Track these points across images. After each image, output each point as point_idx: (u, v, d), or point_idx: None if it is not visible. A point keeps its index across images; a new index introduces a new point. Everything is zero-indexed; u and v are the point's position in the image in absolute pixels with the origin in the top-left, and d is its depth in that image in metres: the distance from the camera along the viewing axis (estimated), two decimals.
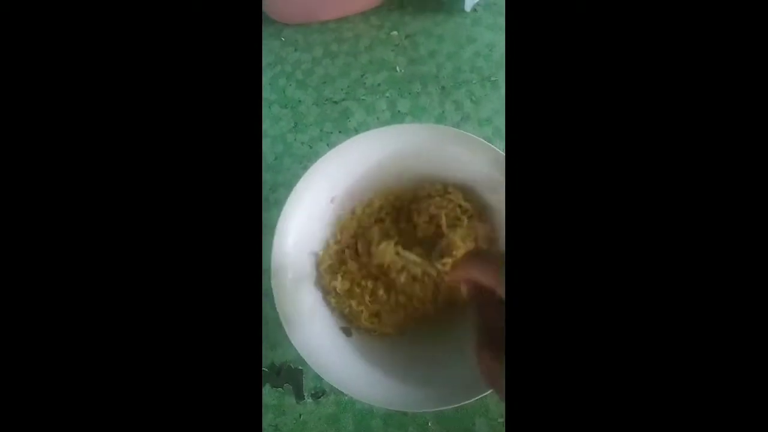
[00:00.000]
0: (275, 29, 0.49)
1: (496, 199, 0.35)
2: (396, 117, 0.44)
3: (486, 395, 0.28)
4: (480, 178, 0.35)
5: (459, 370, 0.32)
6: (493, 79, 0.45)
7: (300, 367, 0.37)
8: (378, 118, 0.45)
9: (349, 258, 0.36)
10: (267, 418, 0.36)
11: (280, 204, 0.33)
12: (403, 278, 0.33)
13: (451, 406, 0.29)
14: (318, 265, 0.36)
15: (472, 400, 0.29)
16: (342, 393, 0.30)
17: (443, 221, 0.34)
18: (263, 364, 0.37)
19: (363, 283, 0.35)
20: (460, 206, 0.35)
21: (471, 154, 0.34)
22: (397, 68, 0.46)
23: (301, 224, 0.34)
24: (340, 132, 0.44)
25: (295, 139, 0.44)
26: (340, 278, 0.35)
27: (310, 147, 0.44)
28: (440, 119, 0.44)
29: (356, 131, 0.44)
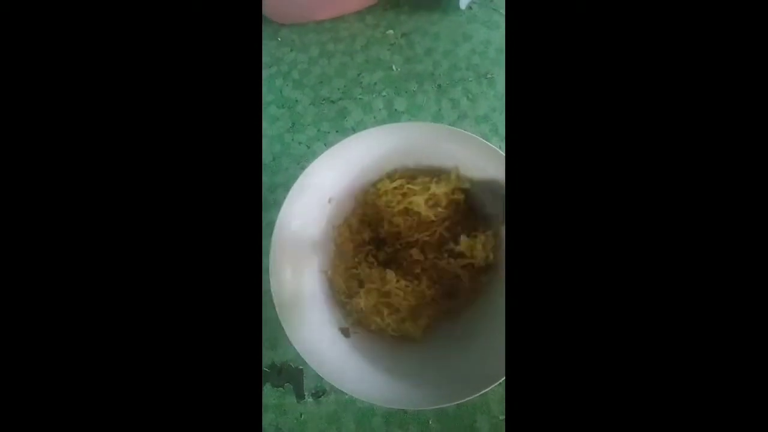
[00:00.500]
0: (272, 29, 0.49)
1: (495, 198, 0.35)
2: (393, 116, 0.44)
3: (486, 393, 0.29)
4: (477, 176, 0.35)
5: (460, 367, 0.32)
6: (489, 76, 0.45)
7: (300, 367, 0.37)
8: (375, 117, 0.45)
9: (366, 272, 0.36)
10: (268, 418, 0.36)
11: (278, 204, 0.33)
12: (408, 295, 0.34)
13: (451, 404, 0.29)
14: (331, 284, 0.36)
15: (473, 397, 0.29)
16: (342, 392, 0.30)
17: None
18: (264, 364, 0.37)
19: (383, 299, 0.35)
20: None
21: (468, 152, 0.34)
22: (394, 67, 0.46)
23: (300, 224, 0.34)
24: (337, 131, 0.44)
25: (292, 139, 0.44)
26: (363, 296, 0.34)
27: (308, 147, 0.44)
28: (437, 117, 0.44)
29: (353, 130, 0.44)
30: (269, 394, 0.37)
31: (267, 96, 0.46)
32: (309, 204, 0.35)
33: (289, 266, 0.33)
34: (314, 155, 0.34)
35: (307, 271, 0.35)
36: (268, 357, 0.37)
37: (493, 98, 0.44)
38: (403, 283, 0.34)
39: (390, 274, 0.34)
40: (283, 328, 0.31)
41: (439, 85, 0.45)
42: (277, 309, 0.31)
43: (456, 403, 0.29)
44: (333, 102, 0.45)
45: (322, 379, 0.30)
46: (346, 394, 0.32)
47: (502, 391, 0.35)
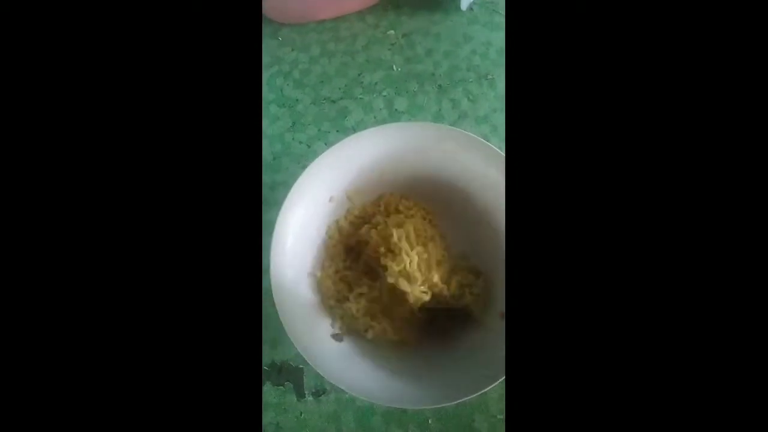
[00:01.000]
0: (272, 29, 0.49)
1: (493, 197, 0.35)
2: (393, 116, 0.45)
3: (485, 392, 0.29)
4: (477, 176, 0.35)
5: (459, 367, 0.32)
6: (489, 77, 0.45)
7: (300, 366, 0.37)
8: (375, 117, 0.45)
9: (357, 276, 0.35)
10: (268, 416, 0.36)
11: (279, 203, 0.33)
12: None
13: (451, 403, 0.29)
14: (319, 287, 0.36)
15: (472, 396, 0.29)
16: (342, 391, 0.30)
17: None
18: (264, 363, 0.37)
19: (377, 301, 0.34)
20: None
21: (468, 153, 0.34)
22: (394, 67, 0.47)
23: (300, 223, 0.34)
24: (337, 131, 0.44)
25: (293, 139, 0.44)
26: (353, 300, 0.34)
27: (308, 146, 0.44)
28: (437, 118, 0.44)
29: (354, 130, 0.44)
30: (269, 393, 0.37)
31: (268, 95, 0.46)
32: (309, 203, 0.35)
33: (289, 265, 0.34)
34: (315, 154, 0.34)
35: (307, 270, 0.35)
36: (268, 356, 0.38)
37: (494, 99, 0.44)
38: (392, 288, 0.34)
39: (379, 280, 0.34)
40: (283, 327, 0.31)
41: (440, 86, 0.45)
42: (277, 308, 0.31)
43: (456, 402, 0.29)
44: (333, 101, 0.45)
45: (323, 377, 0.30)
46: (346, 393, 0.32)
47: (500, 390, 0.35)
